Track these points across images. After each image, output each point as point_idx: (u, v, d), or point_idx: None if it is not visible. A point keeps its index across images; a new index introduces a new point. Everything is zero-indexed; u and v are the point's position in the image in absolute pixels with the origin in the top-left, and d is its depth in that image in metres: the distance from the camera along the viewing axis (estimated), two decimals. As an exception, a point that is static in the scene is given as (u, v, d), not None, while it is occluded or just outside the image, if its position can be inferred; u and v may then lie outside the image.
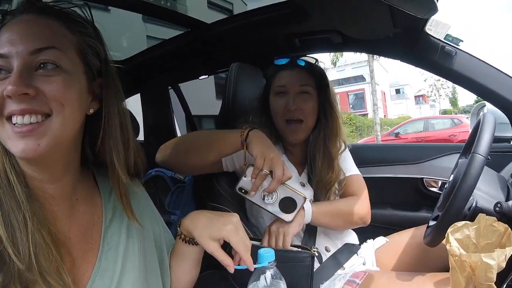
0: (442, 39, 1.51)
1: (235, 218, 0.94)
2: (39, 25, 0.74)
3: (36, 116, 0.70)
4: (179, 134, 3.23)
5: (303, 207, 1.31)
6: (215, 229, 0.89)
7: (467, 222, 0.97)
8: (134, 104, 3.03)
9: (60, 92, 0.72)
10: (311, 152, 1.56)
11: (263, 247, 0.94)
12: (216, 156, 1.34)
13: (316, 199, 1.53)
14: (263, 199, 1.21)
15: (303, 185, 1.54)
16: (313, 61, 1.62)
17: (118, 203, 0.91)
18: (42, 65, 0.72)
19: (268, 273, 0.88)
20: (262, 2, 1.79)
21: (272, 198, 1.21)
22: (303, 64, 1.57)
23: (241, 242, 0.90)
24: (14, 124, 0.70)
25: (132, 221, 0.89)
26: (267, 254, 0.89)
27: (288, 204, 1.22)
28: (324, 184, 1.52)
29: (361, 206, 1.54)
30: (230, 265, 0.88)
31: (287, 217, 1.24)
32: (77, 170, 0.86)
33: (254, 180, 1.18)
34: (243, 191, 1.21)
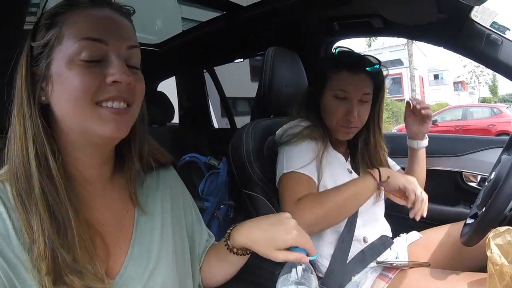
0: (488, 27, 1.43)
1: (292, 221, 0.90)
2: (127, 24, 0.80)
3: (126, 103, 0.76)
4: (213, 117, 3.24)
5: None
6: (280, 241, 0.86)
7: (510, 227, 0.93)
8: (169, 87, 3.06)
9: (142, 87, 0.80)
10: (360, 148, 1.53)
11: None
12: (358, 207, 1.35)
13: None
14: None
15: (350, 172, 1.49)
16: (376, 62, 1.44)
17: (151, 191, 0.92)
18: (131, 63, 0.78)
19: (300, 267, 0.86)
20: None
21: None
22: (371, 69, 1.41)
23: (307, 241, 0.87)
24: (106, 107, 0.73)
25: (136, 205, 0.89)
26: (301, 249, 0.87)
27: None
28: None
29: None
30: (305, 257, 0.85)
31: None
32: (114, 158, 0.88)
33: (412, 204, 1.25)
34: None
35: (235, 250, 0.93)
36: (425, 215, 1.27)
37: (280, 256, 0.85)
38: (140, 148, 0.88)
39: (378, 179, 1.28)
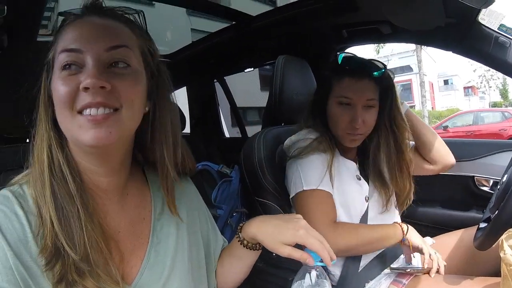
0: (496, 30, 1.43)
1: (302, 221, 0.92)
2: (111, 26, 0.78)
3: (109, 109, 0.73)
4: (224, 127, 3.25)
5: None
6: (288, 236, 0.88)
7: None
8: (180, 97, 3.09)
9: (131, 89, 0.76)
10: (373, 156, 1.51)
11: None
12: (378, 249, 1.44)
13: (371, 194, 1.48)
14: None
15: (359, 179, 1.48)
16: (381, 66, 1.43)
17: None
18: (115, 64, 0.75)
19: (314, 272, 0.86)
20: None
21: None
22: (375, 75, 1.40)
23: (316, 241, 0.87)
24: (85, 115, 0.72)
25: (175, 215, 0.91)
26: (315, 254, 0.87)
27: None
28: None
29: None
30: (310, 258, 0.85)
31: None
32: (129, 165, 0.89)
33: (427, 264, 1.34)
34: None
35: (245, 242, 0.95)
36: (442, 272, 1.33)
37: (286, 251, 0.87)
38: (174, 154, 0.88)
39: (405, 234, 1.36)
